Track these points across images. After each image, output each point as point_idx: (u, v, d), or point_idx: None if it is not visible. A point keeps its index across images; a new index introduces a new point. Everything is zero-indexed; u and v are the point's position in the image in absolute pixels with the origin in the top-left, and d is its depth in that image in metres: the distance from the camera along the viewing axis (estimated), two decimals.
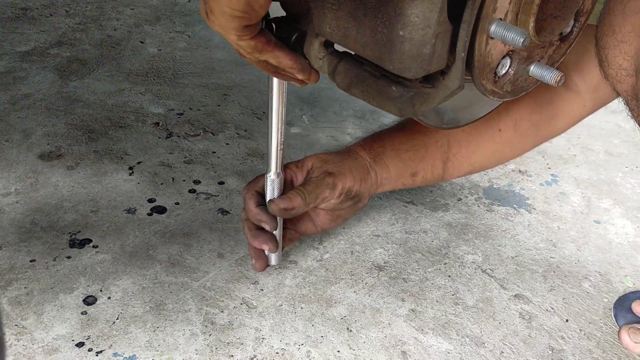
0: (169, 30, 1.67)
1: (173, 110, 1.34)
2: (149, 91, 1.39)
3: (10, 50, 1.49)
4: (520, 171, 1.25)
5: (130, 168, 1.14)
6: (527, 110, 0.92)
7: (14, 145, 1.17)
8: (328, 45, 0.66)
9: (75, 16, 1.69)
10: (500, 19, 0.60)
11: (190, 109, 1.35)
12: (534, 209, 1.15)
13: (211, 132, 1.28)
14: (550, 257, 1.03)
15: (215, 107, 1.37)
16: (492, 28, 0.59)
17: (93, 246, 0.95)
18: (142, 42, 1.60)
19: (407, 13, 0.54)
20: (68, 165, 1.13)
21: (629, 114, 0.79)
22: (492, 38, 0.60)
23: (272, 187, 0.84)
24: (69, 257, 0.93)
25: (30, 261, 0.92)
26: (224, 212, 1.06)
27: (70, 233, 0.97)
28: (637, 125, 0.79)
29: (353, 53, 0.64)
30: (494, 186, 1.20)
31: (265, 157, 1.22)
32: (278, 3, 0.66)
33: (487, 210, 1.13)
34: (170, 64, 1.52)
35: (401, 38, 0.56)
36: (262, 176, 0.87)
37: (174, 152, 1.20)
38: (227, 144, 1.25)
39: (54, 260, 0.92)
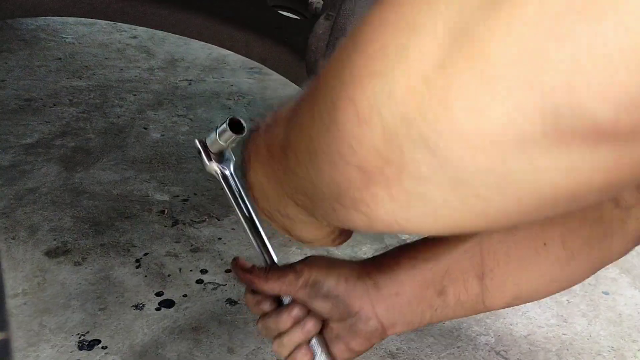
0: (171, 115, 1.71)
1: (178, 196, 1.35)
2: (154, 178, 1.41)
3: (15, 143, 1.52)
4: None
5: (137, 260, 1.15)
6: (575, 223, 0.77)
7: (20, 243, 1.17)
8: None
9: (79, 105, 1.73)
10: None
11: (195, 194, 1.36)
12: None
13: (216, 218, 1.29)
14: (562, 334, 1.02)
15: (219, 190, 1.38)
16: None
17: (102, 347, 0.95)
18: (145, 128, 1.63)
19: None
20: (75, 261, 1.13)
21: None
22: None
23: None
24: None
25: None
26: (232, 302, 1.05)
27: (79, 334, 0.97)
28: None
29: None
30: None
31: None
32: None
33: None
34: (173, 149, 1.54)
35: None
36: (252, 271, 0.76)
37: (180, 241, 1.21)
38: (232, 229, 1.26)
39: None
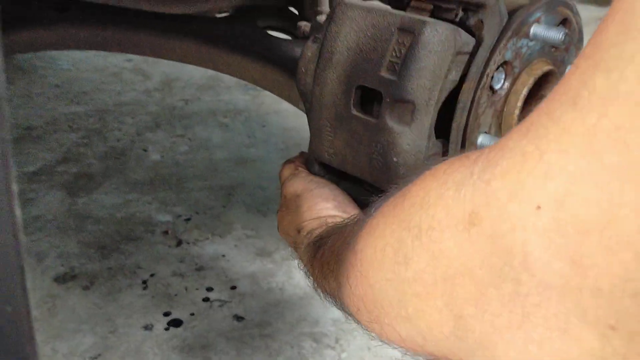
0: (170, 135, 1.73)
1: (180, 216, 1.37)
2: (156, 199, 1.43)
3: (18, 172, 1.54)
4: None
5: (144, 282, 1.17)
6: None
7: (29, 270, 1.19)
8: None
9: (79, 130, 1.76)
10: (485, 132, 0.64)
11: (197, 213, 1.39)
12: None
13: (219, 235, 1.31)
14: None
15: (220, 208, 1.41)
16: (479, 142, 0.63)
17: None
18: (145, 150, 1.65)
19: (399, 142, 0.58)
20: (83, 286, 1.15)
21: None
22: None
23: None
24: None
25: None
26: (238, 318, 1.07)
27: (90, 357, 0.99)
28: None
29: None
30: None
31: (273, 256, 1.24)
32: None
33: None
34: (173, 169, 1.57)
35: (395, 164, 0.60)
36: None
37: (184, 260, 1.23)
38: (235, 245, 1.28)
39: None
